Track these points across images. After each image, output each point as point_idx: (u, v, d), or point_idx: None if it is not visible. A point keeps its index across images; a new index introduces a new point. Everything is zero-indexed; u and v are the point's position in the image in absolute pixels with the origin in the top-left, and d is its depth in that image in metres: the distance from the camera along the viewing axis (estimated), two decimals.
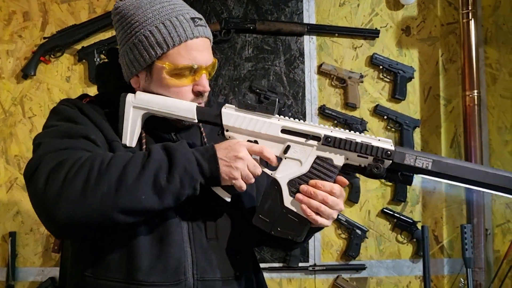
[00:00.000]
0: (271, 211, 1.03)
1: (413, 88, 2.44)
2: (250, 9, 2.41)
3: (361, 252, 2.35)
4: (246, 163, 1.01)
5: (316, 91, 2.41)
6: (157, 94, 1.11)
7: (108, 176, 0.93)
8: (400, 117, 2.40)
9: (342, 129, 1.04)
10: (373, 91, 2.44)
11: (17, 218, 2.30)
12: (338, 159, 1.02)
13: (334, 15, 2.45)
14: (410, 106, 2.44)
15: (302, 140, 1.04)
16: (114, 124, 1.10)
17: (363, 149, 1.00)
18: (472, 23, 2.32)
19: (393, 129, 2.41)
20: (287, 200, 1.02)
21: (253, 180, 1.03)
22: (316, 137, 1.03)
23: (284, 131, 1.05)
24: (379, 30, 2.42)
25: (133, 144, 1.08)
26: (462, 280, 2.27)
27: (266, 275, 2.29)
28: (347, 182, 1.05)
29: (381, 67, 2.41)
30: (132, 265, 1.02)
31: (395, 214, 2.35)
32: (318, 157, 1.03)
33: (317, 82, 2.41)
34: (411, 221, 2.35)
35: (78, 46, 2.34)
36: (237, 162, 0.99)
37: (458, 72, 2.43)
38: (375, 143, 1.01)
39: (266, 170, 1.05)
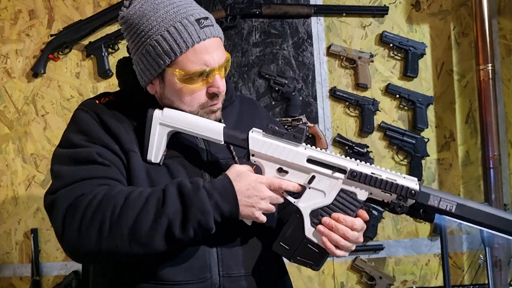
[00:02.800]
0: (292, 239, 1.05)
1: (425, 65, 2.40)
2: None
3: (378, 233, 2.35)
4: (269, 201, 1.03)
5: (326, 73, 2.38)
6: (172, 99, 1.10)
7: (120, 230, 0.96)
8: (412, 95, 2.36)
9: (368, 163, 1.05)
10: (384, 70, 2.40)
11: (38, 215, 2.35)
12: (362, 194, 1.03)
13: None
14: (423, 83, 2.39)
15: (328, 172, 1.04)
16: (133, 129, 1.10)
17: (388, 186, 1.01)
18: None
19: (406, 108, 2.38)
20: (309, 230, 1.03)
21: (275, 209, 1.05)
22: (341, 170, 1.04)
23: (309, 160, 1.05)
24: (388, 7, 2.36)
25: (158, 160, 1.08)
26: (482, 256, 2.26)
27: (284, 259, 2.32)
28: (367, 217, 1.06)
29: (391, 45, 2.36)
30: (158, 265, 1.04)
31: None
32: (342, 190, 1.04)
33: (327, 64, 2.38)
34: None
35: (85, 42, 2.35)
36: (260, 203, 1.01)
37: (471, 46, 2.37)
38: (400, 181, 1.01)
39: (290, 199, 1.06)
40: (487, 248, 1.95)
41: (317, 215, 1.03)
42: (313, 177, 1.04)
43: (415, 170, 2.34)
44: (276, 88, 2.33)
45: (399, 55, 2.38)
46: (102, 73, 2.33)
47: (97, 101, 1.14)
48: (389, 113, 2.39)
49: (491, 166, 2.21)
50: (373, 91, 2.38)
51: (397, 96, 2.37)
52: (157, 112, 1.09)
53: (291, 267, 2.32)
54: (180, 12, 1.04)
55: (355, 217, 1.03)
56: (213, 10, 2.34)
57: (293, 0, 2.38)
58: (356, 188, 1.03)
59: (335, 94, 2.35)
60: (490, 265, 1.97)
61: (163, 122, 1.08)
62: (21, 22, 2.37)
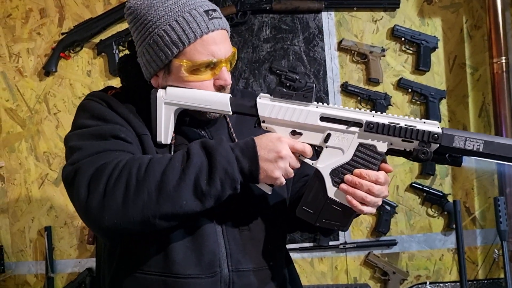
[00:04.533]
0: (315, 202, 1.01)
1: (438, 58, 2.38)
2: None
3: (391, 228, 2.34)
4: (288, 161, 0.98)
5: (337, 68, 2.37)
6: None
7: (148, 184, 0.93)
8: (425, 89, 2.34)
9: (384, 113, 1.00)
10: (396, 64, 2.38)
11: (51, 212, 2.36)
12: (382, 145, 0.98)
13: None
14: (435, 77, 2.38)
15: (343, 127, 0.99)
16: (142, 116, 1.09)
17: (408, 133, 0.96)
18: None
19: (418, 102, 2.36)
20: (331, 190, 1.00)
21: (293, 175, 1.01)
22: (357, 123, 0.99)
23: (323, 118, 1.00)
24: (399, 0, 2.35)
25: (168, 141, 1.07)
26: (496, 250, 2.24)
27: (297, 255, 2.32)
28: (391, 169, 1.01)
29: (403, 39, 2.34)
30: (167, 258, 1.02)
31: (424, 188, 2.32)
32: (360, 144, 0.99)
33: (338, 59, 2.37)
34: (441, 194, 2.32)
35: (96, 40, 2.35)
36: (279, 162, 0.97)
37: (484, 38, 2.35)
38: (420, 126, 0.96)
39: (308, 161, 1.02)
40: (504, 242, 1.93)
41: (338, 174, 0.99)
42: (329, 135, 1.00)
43: (428, 165, 2.32)
44: (288, 84, 2.32)
45: (411, 49, 2.36)
46: (113, 70, 2.33)
47: (104, 93, 1.14)
48: (401, 107, 2.37)
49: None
50: (385, 86, 2.37)
51: (409, 90, 2.35)
52: (160, 92, 1.07)
53: (304, 263, 2.33)
54: (188, 3, 1.04)
55: (378, 170, 0.99)
56: (223, 6, 2.33)
57: None
58: (375, 140, 0.98)
59: (346, 89, 2.34)
60: (507, 259, 1.95)
61: (168, 101, 1.06)
62: (32, 21, 2.38)
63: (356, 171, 0.98)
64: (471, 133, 0.96)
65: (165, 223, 0.96)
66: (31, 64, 2.37)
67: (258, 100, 1.04)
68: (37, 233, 2.36)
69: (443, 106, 2.37)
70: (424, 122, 0.97)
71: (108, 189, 0.93)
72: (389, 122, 0.97)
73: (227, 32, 1.10)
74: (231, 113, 1.05)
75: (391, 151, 0.99)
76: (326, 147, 1.00)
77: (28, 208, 2.36)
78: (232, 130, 1.17)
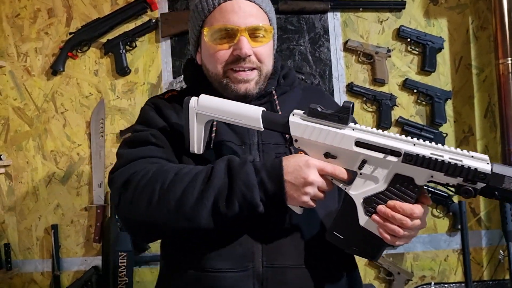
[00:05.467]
0: (346, 229, 0.95)
1: (443, 59, 2.38)
2: None
3: None
4: (316, 186, 0.95)
5: (343, 69, 2.37)
6: (204, 63, 1.14)
7: (168, 201, 0.97)
8: (430, 89, 2.34)
9: (427, 142, 0.90)
10: (402, 64, 2.38)
11: (58, 211, 2.37)
12: (421, 178, 0.89)
13: None
14: (441, 77, 2.38)
15: (380, 156, 0.92)
16: None
17: (451, 169, 0.86)
18: None
19: (423, 103, 2.36)
20: (362, 219, 0.94)
21: (323, 197, 0.98)
22: (395, 152, 0.90)
23: (358, 143, 0.93)
24: (405, 1, 2.35)
25: (201, 151, 1.06)
26: (502, 251, 2.24)
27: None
28: (430, 201, 0.95)
29: (409, 39, 2.35)
30: (201, 253, 1.03)
31: (429, 189, 2.33)
32: (397, 175, 0.91)
33: (344, 59, 2.38)
34: (447, 194, 2.32)
35: (104, 39, 2.36)
36: (306, 187, 0.94)
37: (490, 40, 2.35)
38: (466, 161, 0.86)
39: (341, 185, 0.96)
40: (509, 243, 1.93)
41: (371, 203, 0.92)
42: (364, 161, 0.93)
43: None
44: None
45: (416, 49, 2.37)
46: (120, 70, 2.34)
47: (160, 97, 1.21)
48: (407, 108, 2.37)
49: (511, 160, 2.19)
50: (391, 86, 2.37)
51: (415, 91, 2.35)
52: (192, 102, 1.05)
53: None
54: None
55: (415, 202, 0.91)
56: None
57: None
58: (414, 172, 0.89)
59: (352, 90, 2.34)
60: None
61: (199, 112, 1.04)
62: (40, 20, 2.39)
63: (390, 202, 0.91)
64: None
65: (182, 234, 1.01)
66: (39, 63, 2.39)
67: (290, 118, 0.98)
68: (44, 231, 2.38)
69: (449, 107, 2.37)
70: (472, 156, 0.86)
71: (134, 199, 1.00)
72: (431, 154, 0.88)
73: (260, 7, 1.10)
74: (262, 129, 1.01)
75: (432, 182, 0.91)
76: (360, 174, 0.94)
77: (35, 206, 2.38)
78: (277, 104, 1.15)
